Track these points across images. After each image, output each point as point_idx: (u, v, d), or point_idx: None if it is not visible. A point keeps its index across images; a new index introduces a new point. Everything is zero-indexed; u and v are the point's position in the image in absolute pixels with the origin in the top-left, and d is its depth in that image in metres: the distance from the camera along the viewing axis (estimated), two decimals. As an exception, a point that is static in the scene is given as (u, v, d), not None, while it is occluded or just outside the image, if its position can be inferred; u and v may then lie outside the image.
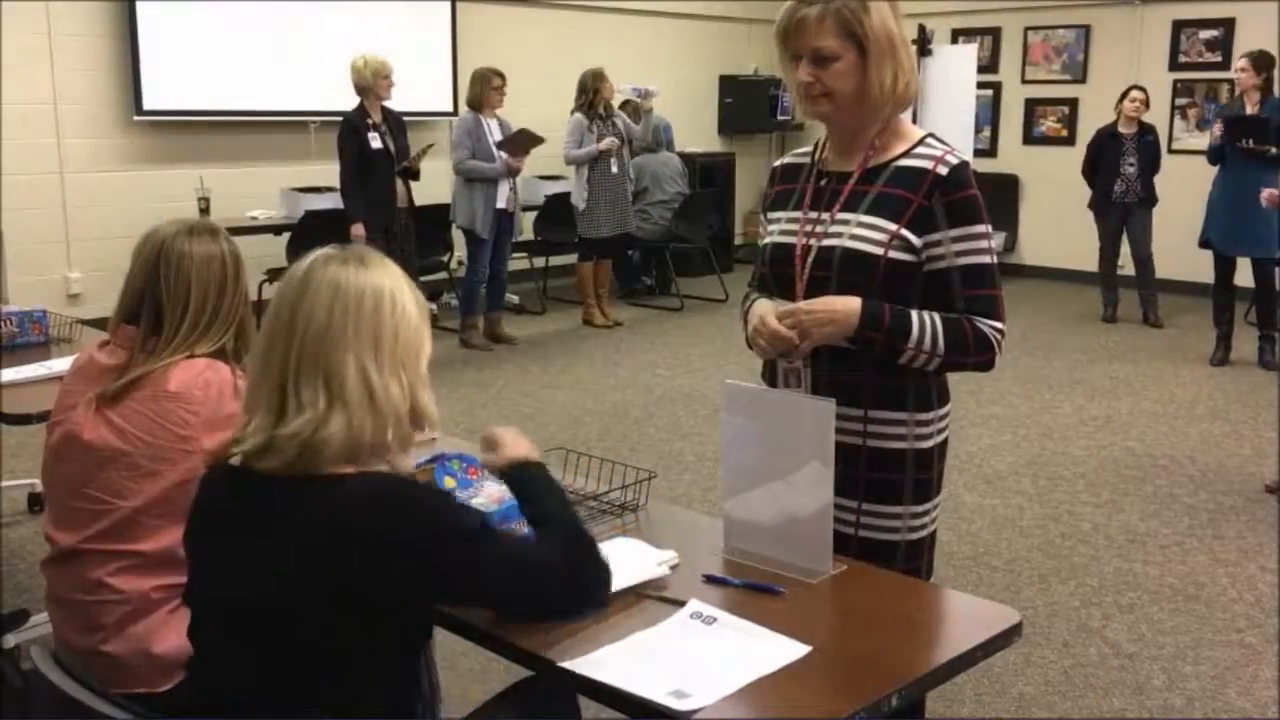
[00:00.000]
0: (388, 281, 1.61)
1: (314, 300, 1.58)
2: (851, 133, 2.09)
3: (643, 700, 1.51)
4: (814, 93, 2.02)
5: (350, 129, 6.50)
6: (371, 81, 6.49)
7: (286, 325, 1.58)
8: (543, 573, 1.64)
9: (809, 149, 2.21)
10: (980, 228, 2.02)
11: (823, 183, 2.12)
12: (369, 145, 6.50)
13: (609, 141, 7.74)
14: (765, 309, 2.05)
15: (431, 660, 1.66)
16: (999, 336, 2.03)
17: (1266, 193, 6.17)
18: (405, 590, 1.52)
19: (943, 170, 2.01)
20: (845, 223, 2.04)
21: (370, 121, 6.53)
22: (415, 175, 6.98)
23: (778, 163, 2.28)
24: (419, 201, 7.09)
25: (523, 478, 1.84)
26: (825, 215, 2.08)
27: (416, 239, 7.00)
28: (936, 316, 2.00)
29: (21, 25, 6.87)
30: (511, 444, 1.88)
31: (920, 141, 2.07)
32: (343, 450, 1.53)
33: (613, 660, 1.61)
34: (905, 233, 2.00)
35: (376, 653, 1.55)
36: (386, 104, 6.68)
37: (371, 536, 1.48)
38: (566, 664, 1.60)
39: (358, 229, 6.43)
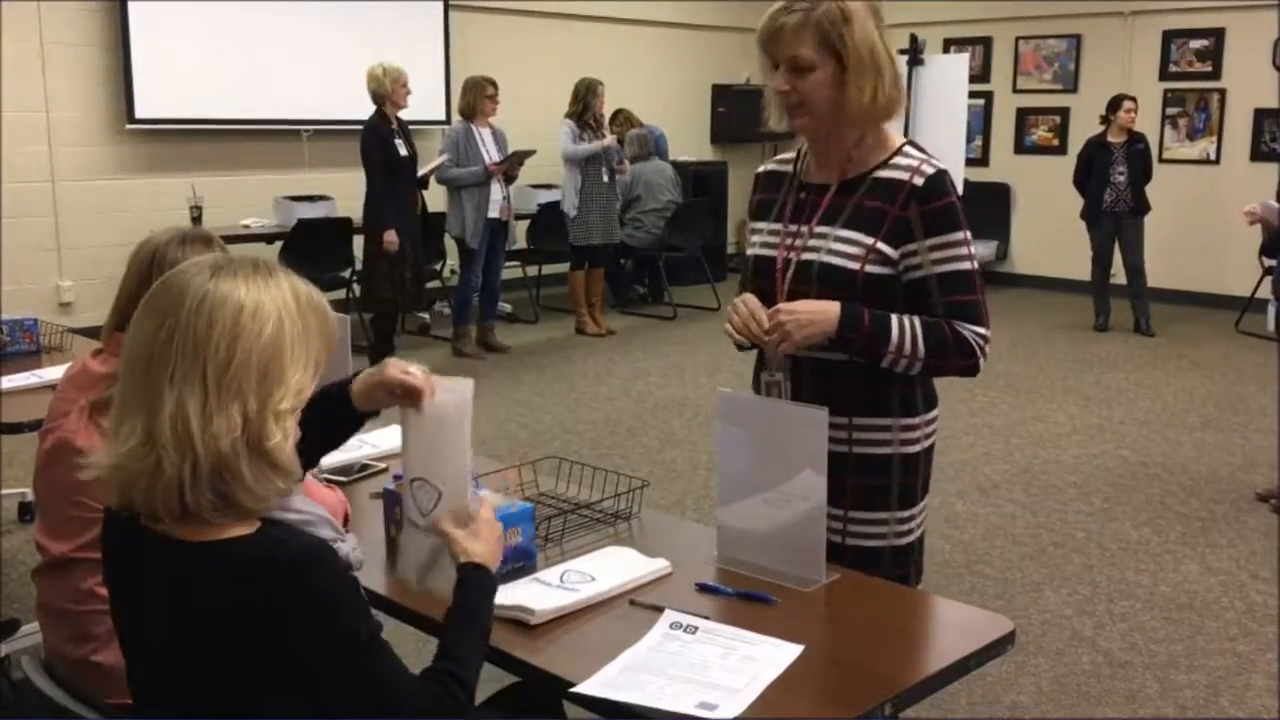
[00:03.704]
0: (240, 291, 1.37)
1: (157, 305, 1.38)
2: (829, 144, 2.08)
3: (678, 716, 1.49)
4: (790, 103, 2.02)
5: (376, 136, 6.47)
6: (390, 90, 6.49)
7: (133, 325, 1.40)
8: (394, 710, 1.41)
9: (791, 155, 2.21)
10: (958, 235, 2.01)
11: (803, 195, 2.12)
12: (396, 152, 6.48)
13: (612, 139, 7.80)
14: (751, 296, 2.06)
15: None
16: (982, 341, 2.03)
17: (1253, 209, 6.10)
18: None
19: (918, 181, 2.01)
20: (823, 236, 2.05)
21: (392, 128, 6.53)
22: (424, 184, 7.00)
23: (761, 169, 2.27)
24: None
25: (467, 587, 1.61)
26: (804, 228, 2.08)
27: (425, 247, 7.03)
28: (917, 320, 2.00)
29: (13, 33, 6.87)
30: (477, 535, 1.65)
31: (898, 151, 2.06)
32: (175, 504, 1.34)
33: (622, 679, 1.59)
34: (882, 246, 2.00)
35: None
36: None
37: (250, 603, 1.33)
38: (580, 689, 1.57)
39: (390, 236, 6.42)
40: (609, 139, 7.82)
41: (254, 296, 1.38)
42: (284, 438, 1.38)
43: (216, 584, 1.35)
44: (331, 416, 1.71)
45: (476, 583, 1.61)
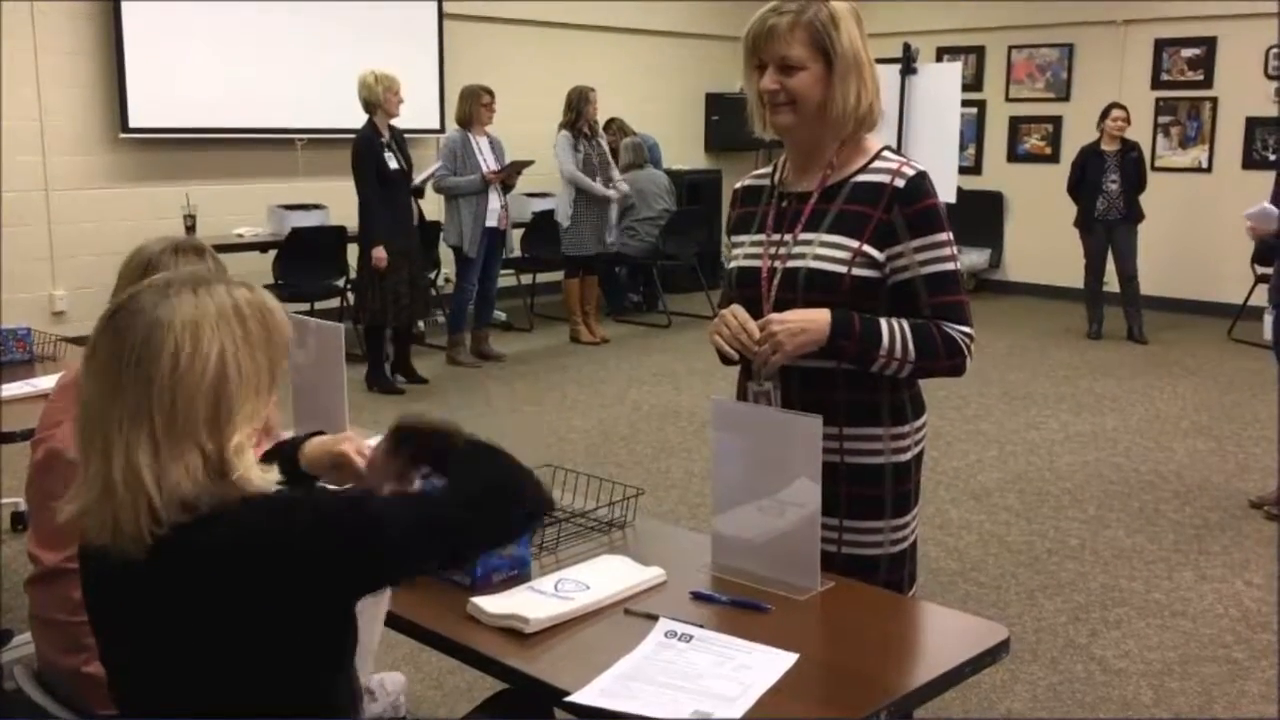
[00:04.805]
0: (177, 326, 1.35)
1: (102, 353, 1.38)
2: (811, 150, 2.09)
3: None
4: (778, 100, 2.02)
5: (367, 148, 6.41)
6: (382, 97, 6.44)
7: (83, 371, 1.40)
8: (446, 512, 1.48)
9: (768, 170, 2.22)
10: (942, 235, 2.03)
11: (784, 204, 2.12)
12: (387, 166, 6.42)
13: (615, 193, 7.88)
14: (739, 308, 2.05)
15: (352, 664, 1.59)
16: (968, 341, 2.04)
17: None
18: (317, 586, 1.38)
19: (900, 183, 2.02)
20: (808, 243, 2.05)
21: (383, 140, 6.49)
22: (421, 193, 6.99)
23: (738, 185, 2.28)
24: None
25: (405, 433, 1.64)
26: (788, 237, 2.08)
27: (423, 256, 7.03)
28: (905, 322, 2.01)
29: (7, 42, 6.86)
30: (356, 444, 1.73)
31: (877, 155, 2.08)
32: (144, 544, 1.35)
33: (617, 688, 1.59)
34: (867, 249, 2.01)
35: (300, 668, 1.44)
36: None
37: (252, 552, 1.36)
38: (574, 698, 1.57)
39: (379, 252, 6.36)
40: (619, 190, 7.87)
41: (192, 326, 1.36)
42: (246, 468, 1.39)
43: (184, 565, 1.35)
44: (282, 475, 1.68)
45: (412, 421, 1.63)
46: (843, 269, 2.01)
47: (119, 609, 1.45)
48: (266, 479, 1.42)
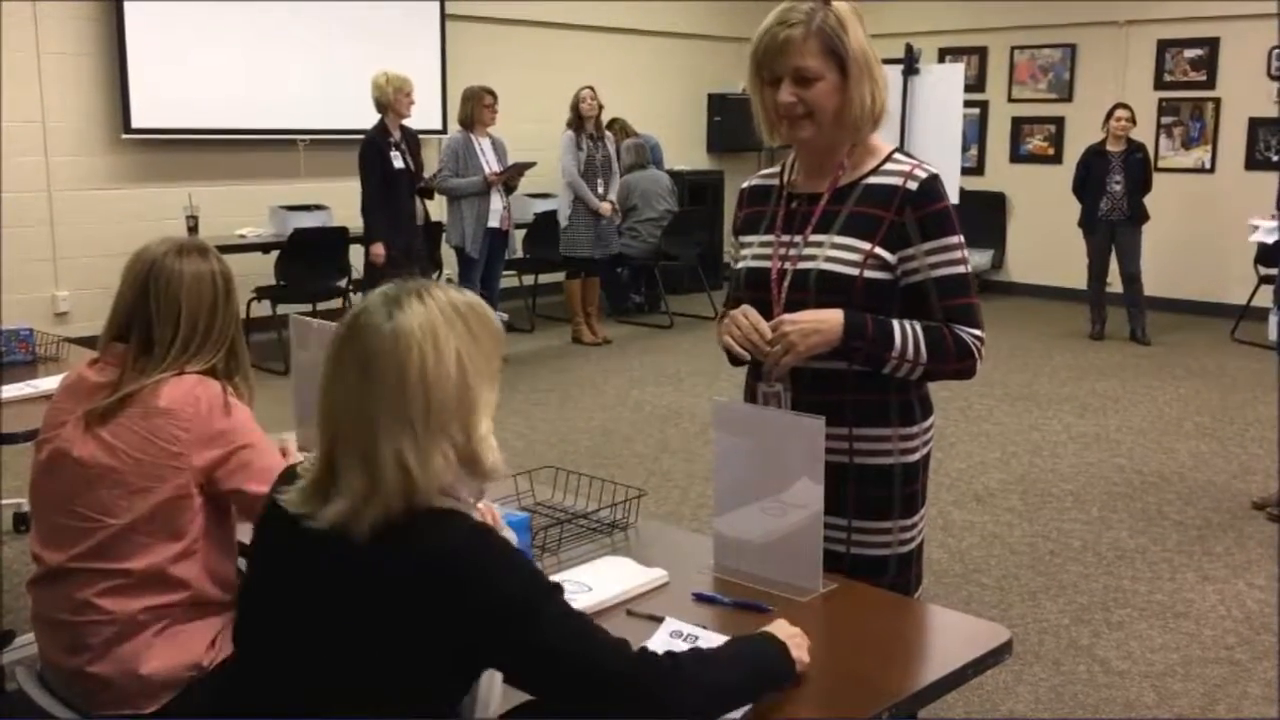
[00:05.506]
0: (417, 333, 1.46)
1: (350, 365, 1.48)
2: (824, 153, 2.08)
3: None
4: (796, 114, 2.00)
5: (374, 148, 6.48)
6: (392, 98, 6.50)
7: (328, 383, 1.50)
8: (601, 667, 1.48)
9: (775, 169, 2.21)
10: (953, 239, 2.02)
11: (793, 205, 2.11)
12: (391, 165, 6.48)
13: (606, 208, 7.91)
14: (750, 308, 2.04)
15: None
16: (978, 344, 2.04)
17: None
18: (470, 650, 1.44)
19: (912, 185, 2.01)
20: (819, 244, 2.04)
21: (391, 140, 6.53)
22: (430, 194, 7.00)
23: (745, 185, 2.27)
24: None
25: (754, 641, 1.64)
26: (798, 238, 2.07)
27: (426, 256, 7.05)
28: (917, 325, 2.00)
29: (9, 43, 6.87)
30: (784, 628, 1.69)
31: (888, 157, 2.07)
32: (382, 524, 1.45)
33: None
34: (879, 251, 2.00)
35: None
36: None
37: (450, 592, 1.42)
38: None
39: (378, 249, 6.43)
40: (606, 208, 7.88)
41: (430, 330, 1.46)
42: (494, 454, 1.51)
43: (395, 558, 1.42)
44: None
45: (764, 644, 1.61)
46: (855, 271, 2.00)
47: (292, 558, 1.52)
48: (501, 465, 1.52)
